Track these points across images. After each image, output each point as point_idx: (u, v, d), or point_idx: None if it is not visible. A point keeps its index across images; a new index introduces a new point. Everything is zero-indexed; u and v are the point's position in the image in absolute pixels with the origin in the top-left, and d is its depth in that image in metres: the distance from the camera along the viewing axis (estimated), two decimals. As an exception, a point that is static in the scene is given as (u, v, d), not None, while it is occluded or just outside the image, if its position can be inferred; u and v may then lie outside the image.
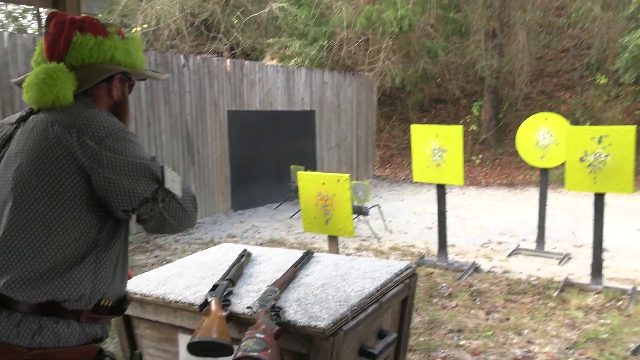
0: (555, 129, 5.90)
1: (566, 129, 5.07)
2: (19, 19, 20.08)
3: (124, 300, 1.55)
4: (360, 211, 6.84)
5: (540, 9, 15.60)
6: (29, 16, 20.00)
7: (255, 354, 1.51)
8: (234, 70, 9.19)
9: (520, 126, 6.24)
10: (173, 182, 1.50)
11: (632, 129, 4.58)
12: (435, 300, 4.69)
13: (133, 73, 1.61)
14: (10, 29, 19.06)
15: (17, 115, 1.54)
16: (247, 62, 9.65)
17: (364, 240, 7.15)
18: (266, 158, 9.74)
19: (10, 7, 18.77)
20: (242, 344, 1.57)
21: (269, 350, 1.54)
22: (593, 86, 14.95)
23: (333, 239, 4.70)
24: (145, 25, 14.75)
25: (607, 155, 4.62)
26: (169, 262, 5.81)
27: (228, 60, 9.19)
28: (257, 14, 15.33)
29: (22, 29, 19.59)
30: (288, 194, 9.40)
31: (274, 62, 14.97)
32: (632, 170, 4.58)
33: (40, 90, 1.40)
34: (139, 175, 1.41)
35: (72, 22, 1.49)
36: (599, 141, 4.66)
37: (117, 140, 1.41)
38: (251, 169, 9.51)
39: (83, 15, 1.61)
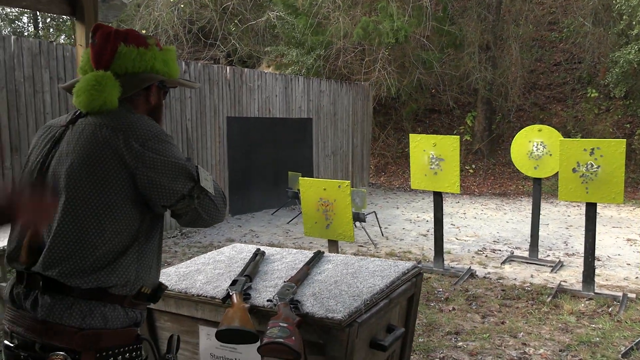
0: (549, 141, 6.08)
1: (559, 141, 5.24)
2: (16, 22, 20.12)
3: (159, 288, 1.67)
4: (357, 217, 6.97)
5: (533, 23, 15.92)
6: (24, 19, 20.07)
7: (281, 340, 1.63)
8: (234, 78, 9.33)
9: (515, 137, 6.40)
10: (206, 181, 1.64)
11: (622, 142, 4.76)
12: (432, 304, 4.83)
13: (169, 82, 1.75)
14: (6, 32, 19.08)
15: (64, 118, 1.66)
16: (246, 70, 9.79)
17: (361, 245, 7.28)
18: (264, 164, 9.88)
19: (7, 8, 18.82)
20: (268, 331, 1.70)
21: (293, 337, 1.66)
22: (584, 99, 15.23)
23: (333, 244, 4.83)
24: (143, 31, 14.88)
25: (598, 167, 4.79)
26: (169, 264, 5.92)
27: (228, 68, 9.33)
28: (254, 22, 15.52)
29: (18, 32, 19.63)
30: (285, 200, 9.53)
31: (271, 69, 15.13)
32: (623, 181, 4.75)
33: (90, 95, 1.54)
34: (178, 175, 1.55)
35: (117, 34, 1.62)
36: (591, 153, 4.83)
37: (158, 142, 1.54)
38: (249, 175, 9.64)
39: (126, 28, 1.74)
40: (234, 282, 2.12)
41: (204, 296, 2.11)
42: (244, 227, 8.54)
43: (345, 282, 2.21)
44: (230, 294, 2.00)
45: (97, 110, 1.56)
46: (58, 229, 1.48)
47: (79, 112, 1.62)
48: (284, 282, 2.15)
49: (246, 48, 15.78)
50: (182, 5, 15.34)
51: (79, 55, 3.34)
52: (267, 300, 1.98)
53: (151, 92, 1.70)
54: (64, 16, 14.61)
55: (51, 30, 20.23)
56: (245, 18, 15.86)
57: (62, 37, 19.67)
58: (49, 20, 19.82)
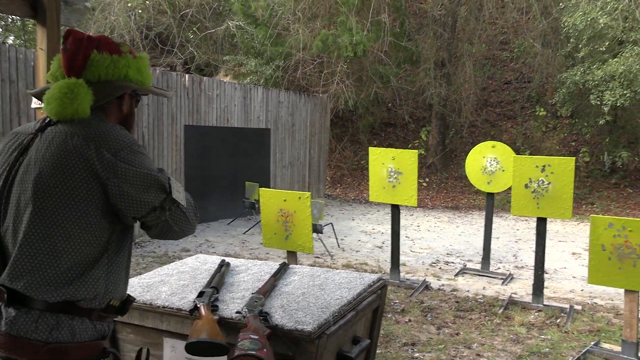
0: (502, 157, 6.29)
1: (513, 158, 5.44)
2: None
3: (127, 300, 1.65)
4: (315, 229, 6.99)
5: (485, 42, 16.48)
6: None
7: (253, 352, 1.64)
8: (192, 86, 9.24)
9: (469, 153, 6.59)
10: (178, 193, 1.63)
11: (572, 160, 4.99)
12: (389, 315, 4.90)
13: (142, 90, 1.73)
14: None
15: (32, 125, 1.62)
16: (205, 79, 9.72)
17: (317, 257, 7.31)
18: (221, 173, 9.80)
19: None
20: (239, 343, 1.70)
21: (265, 349, 1.67)
22: (533, 117, 15.83)
23: (292, 255, 4.83)
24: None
25: (549, 183, 5.00)
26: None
27: (187, 76, 9.24)
28: (213, 30, 15.43)
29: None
30: (242, 210, 9.47)
31: (229, 79, 15.06)
32: (572, 197, 4.97)
33: (62, 103, 1.51)
34: (149, 186, 1.54)
35: (90, 40, 1.60)
36: (542, 170, 5.04)
37: (130, 152, 1.53)
38: (206, 184, 9.54)
39: (98, 34, 1.72)
40: (200, 294, 2.10)
41: (169, 308, 2.09)
42: (199, 237, 8.43)
43: (313, 294, 2.23)
44: (198, 305, 1.99)
45: (69, 119, 1.53)
46: (24, 239, 1.44)
47: (48, 119, 1.59)
48: (252, 293, 2.16)
49: (204, 56, 15.66)
50: (139, 11, 15.10)
51: (40, 59, 3.25)
52: (236, 312, 1.98)
53: (124, 101, 1.68)
54: (19, 17, 14.13)
55: (0, 30, 19.49)
56: (204, 26, 15.75)
57: (11, 37, 18.98)
58: (-3, 19, 19.11)
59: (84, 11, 3.50)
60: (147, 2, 15.21)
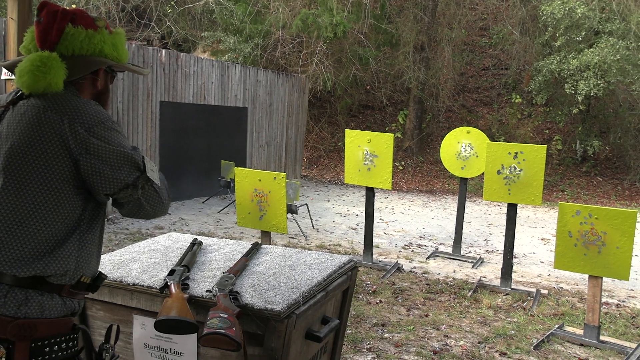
0: (476, 143, 6.37)
1: (486, 144, 5.51)
2: None
3: (99, 277, 1.64)
4: (289, 209, 7.01)
5: (465, 27, 16.54)
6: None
7: (222, 330, 1.65)
8: (169, 62, 9.10)
9: (445, 138, 6.65)
10: (152, 172, 1.62)
11: (543, 147, 5.08)
12: (360, 297, 4.96)
13: (117, 66, 1.70)
14: None
15: (4, 97, 1.59)
16: (182, 54, 9.58)
17: (291, 237, 7.34)
18: (196, 152, 9.72)
19: None
20: (208, 322, 1.71)
21: (234, 328, 1.69)
22: (509, 104, 16.01)
23: (266, 235, 4.86)
24: (73, 5, 14.19)
25: (521, 170, 5.09)
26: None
27: (164, 51, 9.09)
28: (192, 5, 15.15)
29: None
30: (217, 189, 9.43)
31: (206, 55, 14.85)
32: (542, 184, 5.07)
33: (34, 76, 1.47)
34: (122, 163, 1.52)
35: (64, 13, 1.56)
36: (515, 156, 5.12)
37: (104, 129, 1.51)
38: (181, 162, 9.46)
39: (74, 7, 1.68)
40: (171, 272, 2.10)
41: (140, 285, 2.09)
42: (173, 215, 8.39)
43: (284, 274, 2.25)
44: (169, 283, 1.99)
45: (42, 92, 1.50)
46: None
47: (20, 92, 1.56)
48: (223, 273, 2.16)
49: (182, 31, 15.39)
50: (116, -18, 14.71)
51: (10, 28, 3.17)
52: (206, 291, 1.98)
53: (98, 77, 1.65)
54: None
55: (-31, -4, 18.83)
56: (182, 0, 15.45)
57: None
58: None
59: (56, -19, 3.40)
60: (124, -27, 14.83)
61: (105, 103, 1.70)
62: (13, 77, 3.31)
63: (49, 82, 1.48)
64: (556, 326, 4.36)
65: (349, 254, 6.49)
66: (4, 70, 3.38)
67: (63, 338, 1.50)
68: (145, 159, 1.61)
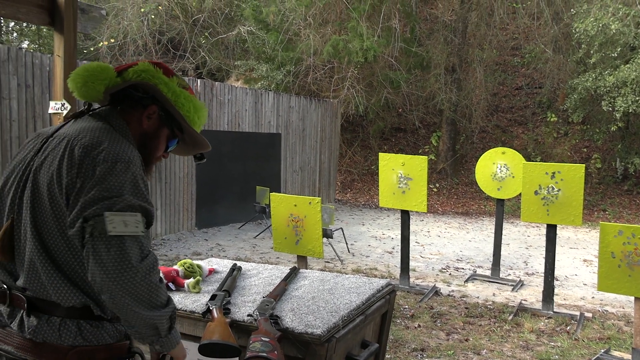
0: (512, 163, 6.30)
1: (522, 164, 5.45)
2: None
3: None
4: (325, 234, 7.03)
5: (496, 48, 16.46)
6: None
7: (264, 354, 1.68)
8: (204, 91, 9.33)
9: (479, 159, 6.59)
10: (124, 225, 1.40)
11: (581, 167, 4.99)
12: (398, 321, 4.92)
13: (174, 114, 1.64)
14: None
15: (53, 128, 1.64)
16: (217, 84, 9.81)
17: (327, 261, 7.34)
18: (232, 178, 9.87)
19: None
20: (251, 345, 1.74)
21: (276, 352, 1.71)
22: (544, 123, 15.77)
23: (302, 259, 4.87)
24: (112, 40, 14.73)
25: (559, 190, 5.01)
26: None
27: (199, 81, 9.33)
28: (225, 35, 15.56)
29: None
30: (252, 214, 9.53)
31: (240, 83, 15.16)
32: (582, 204, 4.97)
33: (75, 76, 1.57)
34: (97, 189, 1.43)
35: (154, 63, 1.65)
36: (552, 176, 5.04)
37: (113, 170, 1.45)
38: (217, 188, 9.61)
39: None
40: (213, 297, 2.15)
41: (183, 310, 2.13)
42: (210, 241, 8.50)
43: (323, 298, 2.26)
44: (211, 308, 2.03)
45: (83, 97, 1.57)
46: (33, 246, 1.43)
47: (65, 122, 1.62)
48: (263, 297, 2.20)
49: (215, 61, 15.79)
50: (152, 16, 15.24)
51: (57, 65, 3.33)
52: (248, 315, 2.02)
53: (147, 112, 1.62)
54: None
55: (15, 34, 19.77)
56: (215, 31, 15.88)
57: (26, 42, 19.25)
58: (12, 24, 19.38)
59: (99, 19, 3.57)
60: (159, 7, 15.36)
61: (150, 152, 1.66)
62: (60, 111, 3.46)
63: (89, 83, 1.54)
64: (602, 351, 4.23)
65: (386, 278, 6.45)
66: (52, 104, 3.55)
67: None
68: (137, 214, 1.42)
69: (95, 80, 1.54)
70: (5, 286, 1.50)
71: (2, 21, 19.34)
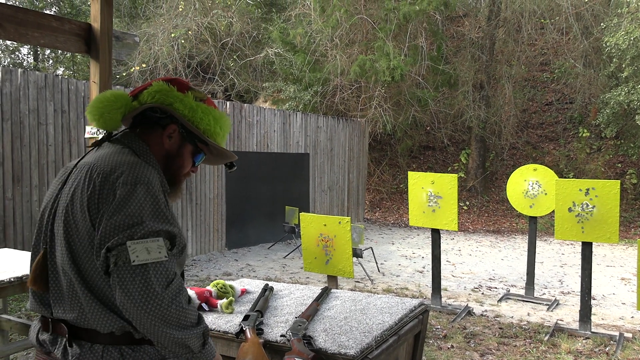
0: (544, 180, 6.20)
1: (555, 181, 5.36)
2: (15, 53, 20.34)
3: None
4: (354, 253, 7.01)
5: (525, 64, 16.32)
6: (24, 50, 20.29)
7: (298, 375, 1.68)
8: (234, 113, 9.47)
9: (511, 176, 6.51)
10: (147, 252, 1.41)
11: (617, 183, 4.88)
12: (431, 342, 4.85)
13: (193, 131, 1.64)
14: (5, 62, 19.28)
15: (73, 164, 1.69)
16: (246, 105, 9.95)
17: (357, 281, 7.30)
18: (261, 198, 9.95)
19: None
20: (284, 366, 1.74)
21: (310, 372, 1.71)
22: (576, 139, 15.50)
23: (333, 279, 4.86)
24: (143, 65, 15.13)
25: (594, 207, 4.90)
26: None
27: (228, 103, 9.48)
28: (253, 58, 15.81)
29: (18, 63, 19.82)
30: (282, 234, 9.57)
31: (268, 104, 15.35)
32: (617, 221, 4.85)
33: (93, 104, 1.61)
34: (122, 217, 1.45)
35: (168, 79, 1.68)
36: (586, 193, 4.95)
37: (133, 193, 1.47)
38: (246, 209, 9.69)
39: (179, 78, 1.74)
40: (246, 317, 2.16)
41: (216, 331, 2.15)
42: (240, 261, 8.55)
43: (355, 318, 2.26)
44: (244, 328, 2.05)
45: (103, 127, 1.60)
46: (70, 275, 1.46)
47: (86, 152, 1.66)
48: (295, 317, 2.20)
49: (244, 83, 16.04)
50: (182, 41, 15.61)
51: (93, 91, 3.44)
52: (281, 336, 2.03)
53: (167, 132, 1.63)
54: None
55: (50, 62, 20.45)
56: (243, 54, 16.16)
57: (61, 68, 19.88)
58: (48, 52, 20.07)
59: (133, 46, 3.68)
60: (189, 32, 15.72)
61: (175, 172, 1.67)
62: (95, 135, 3.56)
63: (104, 109, 1.58)
64: (644, 372, 4.09)
65: (417, 298, 6.37)
66: (87, 128, 3.65)
67: None
68: (160, 240, 1.43)
69: (111, 110, 1.58)
70: (46, 314, 1.54)
71: (39, 49, 20.04)
